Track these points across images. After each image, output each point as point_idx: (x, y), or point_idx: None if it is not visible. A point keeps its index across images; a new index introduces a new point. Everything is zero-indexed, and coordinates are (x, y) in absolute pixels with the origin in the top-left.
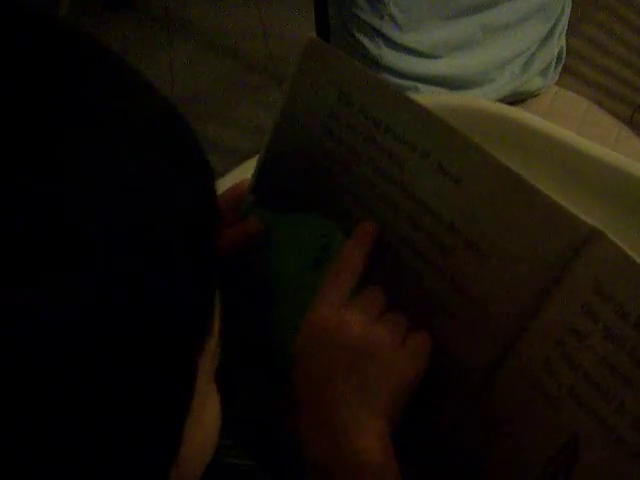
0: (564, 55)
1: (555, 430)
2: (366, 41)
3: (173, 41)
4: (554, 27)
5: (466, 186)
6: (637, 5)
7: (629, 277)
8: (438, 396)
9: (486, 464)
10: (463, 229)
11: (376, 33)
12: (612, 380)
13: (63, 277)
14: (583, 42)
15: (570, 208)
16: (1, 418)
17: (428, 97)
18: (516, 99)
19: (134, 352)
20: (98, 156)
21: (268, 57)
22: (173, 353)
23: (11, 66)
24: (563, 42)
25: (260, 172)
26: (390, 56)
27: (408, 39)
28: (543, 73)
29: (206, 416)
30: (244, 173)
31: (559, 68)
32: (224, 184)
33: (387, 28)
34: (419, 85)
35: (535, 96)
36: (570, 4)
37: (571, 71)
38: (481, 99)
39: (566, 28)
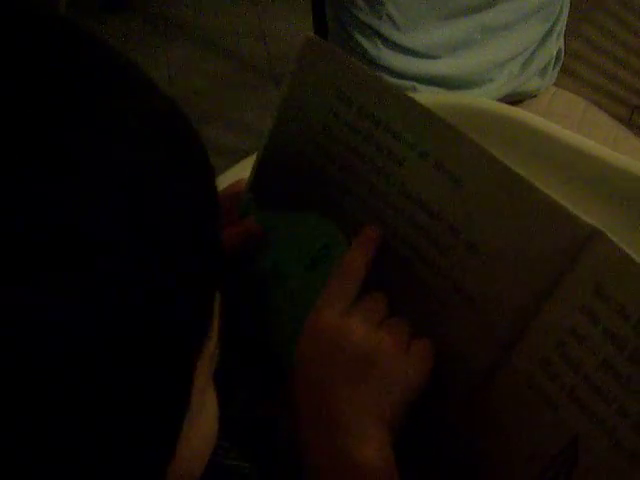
0: (562, 56)
1: (555, 432)
2: (364, 41)
3: (170, 41)
4: (552, 27)
5: (466, 186)
6: (635, 6)
7: (629, 278)
8: (438, 397)
9: (486, 465)
10: (462, 229)
11: (374, 33)
12: (612, 382)
13: (63, 277)
14: (581, 43)
15: (570, 208)
16: (1, 418)
17: (427, 96)
18: (514, 99)
19: (133, 352)
20: (98, 155)
21: (266, 57)
22: (172, 353)
23: (12, 64)
24: (561, 42)
25: (258, 170)
26: (388, 56)
27: (406, 39)
28: (541, 73)
29: (204, 416)
30: (241, 172)
31: (557, 68)
32: (221, 183)
33: (385, 28)
34: (417, 85)
35: (533, 96)
36: (568, 5)
37: (569, 72)
38: (481, 98)
39: (564, 29)
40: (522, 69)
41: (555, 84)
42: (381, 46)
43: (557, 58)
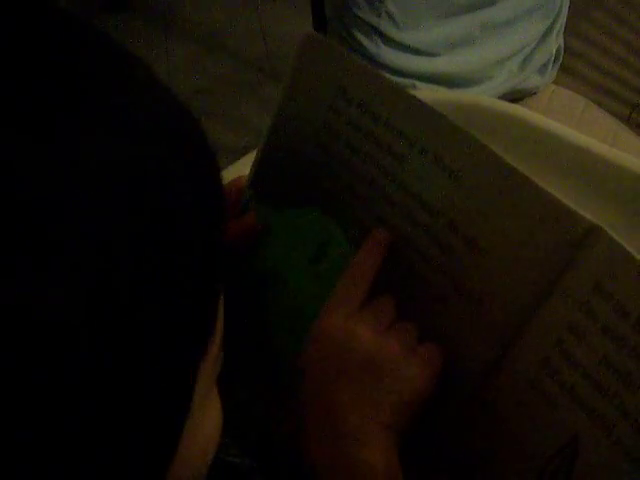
0: (562, 54)
1: (555, 430)
2: (364, 39)
3: (171, 40)
4: (552, 25)
5: (465, 182)
6: (635, 5)
7: (629, 275)
8: (437, 396)
9: (486, 463)
10: (462, 226)
11: (374, 31)
12: (612, 380)
13: (62, 277)
14: (581, 41)
15: (570, 204)
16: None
17: (428, 93)
18: (514, 97)
19: (134, 354)
20: (101, 153)
21: (266, 55)
22: (174, 356)
23: (13, 58)
24: (561, 40)
25: (258, 167)
26: (388, 54)
27: (406, 37)
28: (541, 71)
29: (206, 419)
30: (240, 169)
31: (557, 66)
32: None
33: (385, 26)
34: (417, 83)
35: (533, 94)
36: (568, 2)
37: (569, 70)
38: (481, 95)
39: (564, 27)
40: (522, 67)
41: (554, 82)
42: (381, 44)
43: (557, 56)
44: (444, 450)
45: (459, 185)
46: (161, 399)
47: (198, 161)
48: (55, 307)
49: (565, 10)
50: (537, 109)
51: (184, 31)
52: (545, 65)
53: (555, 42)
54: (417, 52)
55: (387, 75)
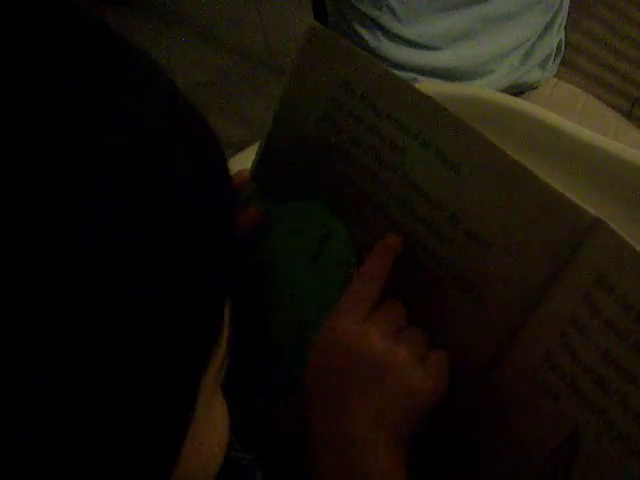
0: (563, 48)
1: (556, 425)
2: (364, 33)
3: (171, 34)
4: (553, 19)
5: (467, 175)
6: None
7: (631, 268)
8: None
9: (486, 460)
10: (464, 219)
11: (375, 25)
12: (614, 373)
13: (64, 276)
14: (582, 35)
15: (572, 197)
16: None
17: (430, 86)
18: (515, 91)
19: (136, 356)
20: (107, 149)
21: (266, 49)
22: (178, 362)
23: (25, 57)
24: (562, 34)
25: (260, 160)
26: (389, 48)
27: (407, 31)
28: (542, 65)
29: (212, 424)
30: (241, 163)
31: (558, 60)
32: None
33: (386, 20)
34: (418, 77)
35: (534, 88)
36: None
37: (570, 64)
38: (483, 89)
39: (565, 21)
40: (523, 61)
41: (556, 76)
42: (381, 37)
43: (558, 50)
44: (444, 447)
45: (461, 178)
46: (163, 402)
47: (206, 157)
48: (56, 306)
49: (566, 4)
50: (538, 103)
51: (184, 24)
52: (546, 59)
53: (556, 36)
54: (418, 46)
55: (390, 68)
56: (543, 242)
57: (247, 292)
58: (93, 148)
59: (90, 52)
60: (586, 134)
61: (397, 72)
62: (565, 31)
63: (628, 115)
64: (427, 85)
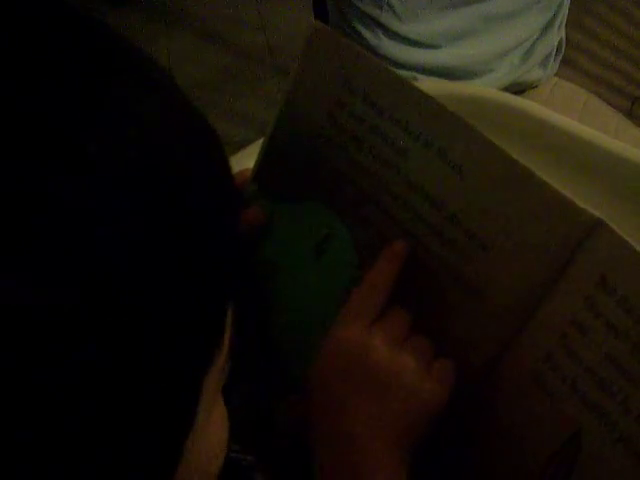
0: (564, 46)
1: (557, 426)
2: (365, 31)
3: (171, 32)
4: (554, 18)
5: (468, 176)
6: None
7: (633, 270)
8: None
9: (487, 463)
10: (465, 220)
11: (375, 23)
12: (616, 375)
13: (65, 276)
14: (583, 34)
15: (574, 198)
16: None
17: (431, 85)
18: (515, 90)
19: (136, 356)
20: (107, 151)
21: (266, 49)
22: (180, 365)
23: (34, 63)
24: (563, 33)
25: (263, 160)
26: (389, 46)
27: (407, 29)
28: (543, 64)
29: (212, 426)
30: (241, 161)
31: (559, 59)
32: None
33: (386, 18)
34: (418, 75)
35: (534, 87)
36: None
37: (571, 63)
38: (484, 87)
39: (566, 20)
40: (523, 59)
41: (556, 75)
42: (382, 36)
43: (558, 49)
44: (445, 448)
45: (462, 178)
46: (165, 403)
47: (208, 156)
48: (56, 306)
49: (567, 3)
50: (539, 102)
51: (184, 23)
52: (547, 58)
53: (557, 35)
54: (418, 44)
55: (392, 68)
56: (544, 243)
57: (248, 292)
58: (92, 148)
59: (90, 53)
60: (588, 133)
61: (397, 71)
62: (566, 30)
63: (628, 114)
64: (428, 84)
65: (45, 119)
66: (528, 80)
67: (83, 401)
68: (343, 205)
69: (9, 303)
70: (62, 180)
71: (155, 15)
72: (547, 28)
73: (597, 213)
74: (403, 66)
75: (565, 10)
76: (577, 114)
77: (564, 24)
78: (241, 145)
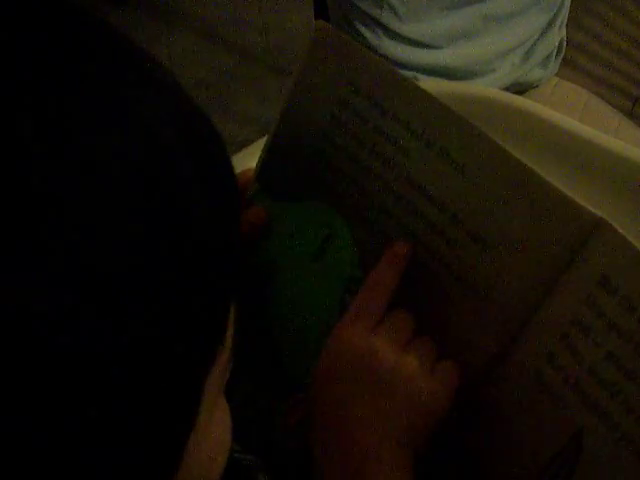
0: (564, 46)
1: (558, 427)
2: (366, 31)
3: (172, 33)
4: (554, 18)
5: (471, 175)
6: None
7: (635, 269)
8: None
9: (487, 463)
10: (467, 219)
11: (375, 23)
12: (617, 375)
13: (69, 277)
14: (583, 34)
15: (576, 197)
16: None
17: (433, 85)
18: (516, 90)
19: (137, 356)
20: (114, 151)
21: (267, 49)
22: (182, 364)
23: (33, 59)
24: (563, 33)
25: (265, 159)
26: (390, 46)
27: (408, 29)
28: (543, 64)
29: (214, 427)
30: (242, 161)
31: (559, 59)
32: None
33: (387, 18)
34: (419, 75)
35: (535, 87)
36: None
37: (571, 63)
38: (486, 87)
39: (566, 19)
40: (524, 60)
41: (557, 75)
42: (382, 36)
43: (559, 49)
44: (445, 449)
45: (464, 178)
46: (166, 402)
47: (210, 156)
48: (56, 307)
49: (567, 3)
50: (539, 102)
51: (185, 23)
52: (547, 58)
53: (557, 35)
54: (419, 44)
55: (396, 68)
56: (546, 242)
57: (249, 292)
58: (94, 148)
59: (93, 52)
60: (589, 132)
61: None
62: (566, 30)
63: (630, 114)
64: (430, 84)
65: (45, 119)
66: (529, 80)
67: (84, 400)
68: (345, 204)
69: (10, 303)
70: (62, 179)
71: (156, 15)
72: (548, 28)
73: (599, 212)
74: (404, 66)
75: (566, 10)
76: (578, 114)
77: (565, 24)
78: (240, 145)
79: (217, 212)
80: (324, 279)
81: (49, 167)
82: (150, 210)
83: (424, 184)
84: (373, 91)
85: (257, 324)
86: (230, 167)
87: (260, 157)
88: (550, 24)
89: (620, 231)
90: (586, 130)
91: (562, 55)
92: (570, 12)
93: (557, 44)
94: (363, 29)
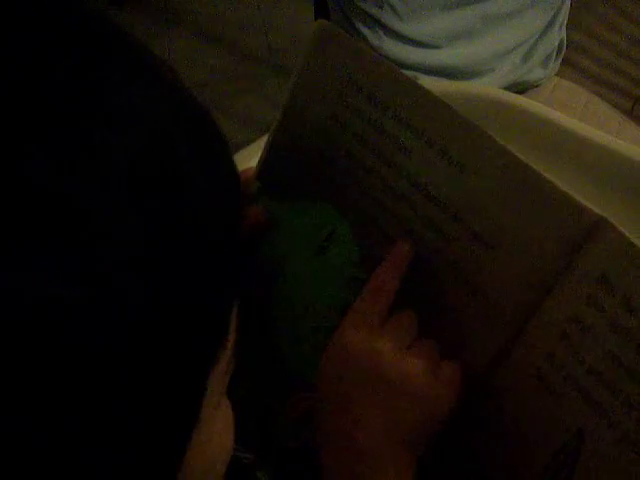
0: (564, 46)
1: (559, 424)
2: (366, 31)
3: (172, 33)
4: (554, 18)
5: (471, 174)
6: None
7: (635, 268)
8: None
9: (488, 461)
10: (468, 219)
11: (376, 23)
12: (618, 374)
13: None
14: (583, 34)
15: (576, 197)
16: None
17: (434, 84)
18: (516, 90)
19: (138, 357)
20: (113, 148)
21: (267, 49)
22: (184, 365)
23: (40, 55)
24: (564, 33)
25: (266, 158)
26: (390, 46)
27: (408, 29)
28: (543, 64)
29: (217, 427)
30: (242, 161)
31: (559, 59)
32: None
33: (387, 18)
34: (419, 75)
35: (535, 87)
36: None
37: (571, 63)
38: (487, 86)
39: (567, 19)
40: (524, 59)
41: (557, 75)
42: (383, 35)
43: (559, 49)
44: (445, 449)
45: (464, 176)
46: (169, 401)
47: (213, 154)
48: (59, 303)
49: (567, 3)
50: (540, 102)
51: (185, 24)
52: (548, 58)
53: (558, 35)
54: (419, 44)
55: (397, 67)
56: (547, 241)
57: (250, 291)
58: (98, 145)
59: (94, 50)
60: (590, 132)
61: None
62: (567, 30)
63: (630, 114)
64: (431, 83)
65: (45, 117)
66: (529, 80)
67: (84, 400)
68: (346, 203)
69: (9, 303)
70: (64, 176)
71: (156, 15)
72: (548, 28)
73: (600, 211)
74: (404, 66)
75: (566, 10)
76: (578, 114)
77: (565, 24)
78: (241, 144)
79: (220, 210)
80: (325, 278)
81: (49, 167)
82: (153, 208)
83: (424, 183)
84: (374, 90)
85: (257, 323)
86: (233, 165)
87: (261, 156)
88: (550, 24)
89: (621, 230)
90: (586, 129)
91: (562, 55)
92: (570, 12)
93: (557, 44)
94: (363, 28)
